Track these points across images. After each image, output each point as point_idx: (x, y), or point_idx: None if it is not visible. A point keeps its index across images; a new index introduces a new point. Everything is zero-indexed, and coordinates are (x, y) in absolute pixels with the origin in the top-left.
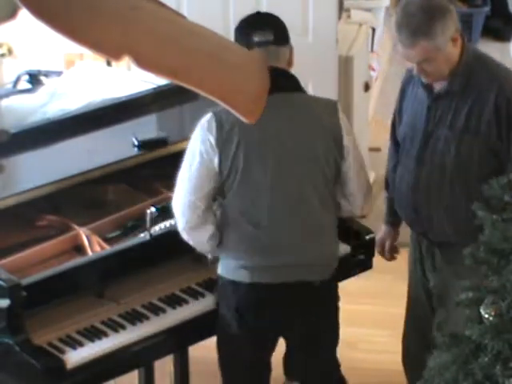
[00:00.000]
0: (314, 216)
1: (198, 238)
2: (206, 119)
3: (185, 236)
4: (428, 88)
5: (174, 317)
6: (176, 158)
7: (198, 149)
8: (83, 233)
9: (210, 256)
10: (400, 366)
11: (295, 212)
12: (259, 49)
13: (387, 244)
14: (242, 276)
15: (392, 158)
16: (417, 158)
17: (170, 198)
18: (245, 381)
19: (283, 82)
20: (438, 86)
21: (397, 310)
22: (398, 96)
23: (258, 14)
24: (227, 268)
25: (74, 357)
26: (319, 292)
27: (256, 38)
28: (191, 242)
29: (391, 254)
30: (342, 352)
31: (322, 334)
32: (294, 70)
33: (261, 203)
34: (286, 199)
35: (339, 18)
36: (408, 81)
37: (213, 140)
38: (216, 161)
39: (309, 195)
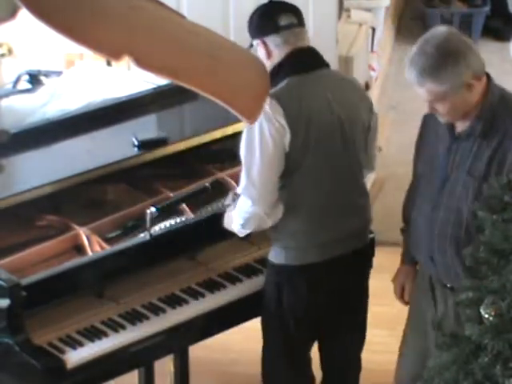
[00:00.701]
0: (361, 183)
1: (269, 222)
2: (267, 103)
3: (256, 222)
4: (450, 127)
5: (174, 317)
6: (176, 158)
7: (267, 131)
8: (83, 233)
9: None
10: None
11: (352, 182)
12: (286, 31)
13: (407, 287)
14: (311, 257)
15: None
16: (432, 201)
17: (169, 198)
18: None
19: (319, 58)
20: (460, 127)
21: (397, 310)
22: (420, 129)
23: (272, 1)
24: (291, 254)
25: (74, 357)
26: (366, 256)
27: (282, 22)
28: (254, 228)
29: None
30: None
31: (359, 301)
32: None
33: (328, 177)
34: (347, 169)
35: (339, 17)
36: (430, 115)
37: (282, 120)
38: (287, 140)
39: (359, 163)
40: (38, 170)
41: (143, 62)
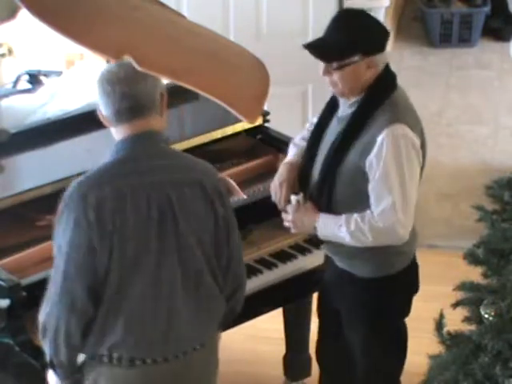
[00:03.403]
0: None
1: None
2: (402, 130)
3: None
4: None
5: None
6: None
7: (415, 156)
8: None
9: None
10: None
11: None
12: None
13: None
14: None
15: None
16: None
17: None
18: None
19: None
20: None
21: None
22: None
23: (368, 15)
24: (397, 260)
25: None
26: None
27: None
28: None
29: None
30: None
31: None
32: (293, 70)
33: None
34: None
35: None
36: None
37: (418, 142)
38: (420, 160)
39: None
40: (38, 170)
41: (143, 62)
